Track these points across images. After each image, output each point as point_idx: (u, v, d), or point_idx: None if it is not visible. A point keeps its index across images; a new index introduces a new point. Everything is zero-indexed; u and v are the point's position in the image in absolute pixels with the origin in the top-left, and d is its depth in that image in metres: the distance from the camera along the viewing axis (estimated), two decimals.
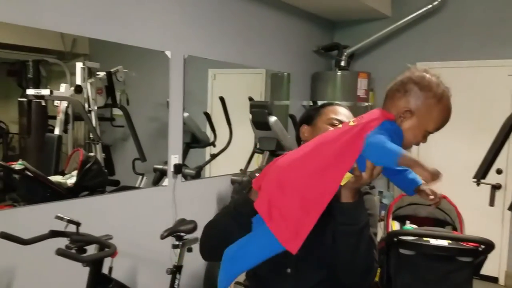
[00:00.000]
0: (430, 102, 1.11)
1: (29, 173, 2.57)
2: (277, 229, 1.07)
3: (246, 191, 1.26)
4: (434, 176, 1.00)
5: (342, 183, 1.12)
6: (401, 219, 2.91)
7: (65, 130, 2.91)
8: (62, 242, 1.90)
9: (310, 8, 4.46)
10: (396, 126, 1.12)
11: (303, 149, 1.16)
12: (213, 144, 3.76)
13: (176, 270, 2.47)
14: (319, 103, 4.62)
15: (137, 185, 3.22)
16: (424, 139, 1.15)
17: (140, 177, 3.28)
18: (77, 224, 1.88)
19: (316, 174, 1.08)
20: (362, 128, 1.09)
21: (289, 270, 1.30)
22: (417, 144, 1.15)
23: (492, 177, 3.96)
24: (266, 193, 1.11)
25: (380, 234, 3.17)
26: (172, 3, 3.15)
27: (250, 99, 3.78)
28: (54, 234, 1.90)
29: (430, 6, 4.26)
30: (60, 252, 1.64)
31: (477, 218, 3.95)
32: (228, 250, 1.18)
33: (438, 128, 1.14)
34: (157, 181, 3.21)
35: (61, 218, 1.85)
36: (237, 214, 1.25)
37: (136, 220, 2.97)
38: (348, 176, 1.12)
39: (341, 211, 1.16)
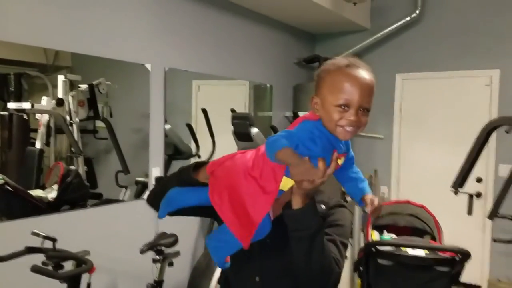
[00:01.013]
0: (323, 78, 1.13)
1: (9, 188, 2.54)
2: (230, 223, 1.14)
3: (193, 167, 1.29)
4: (298, 175, 1.07)
5: (285, 189, 1.15)
6: (381, 229, 2.95)
7: (47, 143, 2.89)
8: (40, 258, 1.90)
9: (291, 21, 4.53)
10: (314, 123, 1.13)
11: (259, 149, 1.20)
12: (196, 155, 3.76)
13: (156, 286, 2.46)
14: (300, 114, 4.71)
15: (120, 198, 3.21)
16: (340, 114, 1.08)
17: (124, 189, 3.26)
18: (53, 240, 1.87)
19: (257, 176, 1.15)
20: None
21: (257, 279, 1.33)
22: (343, 125, 1.09)
23: (472, 186, 4.04)
24: (219, 188, 1.18)
25: (361, 244, 3.20)
26: (153, 16, 3.17)
27: (232, 110, 3.81)
28: (30, 250, 1.89)
29: (408, 18, 4.35)
30: (35, 269, 1.64)
31: (458, 226, 4.01)
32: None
33: (344, 97, 1.07)
34: (139, 194, 3.19)
35: (37, 234, 1.84)
36: (179, 176, 1.32)
37: (117, 234, 2.95)
38: (291, 182, 1.15)
39: (289, 217, 1.17)
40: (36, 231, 1.87)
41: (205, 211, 1.25)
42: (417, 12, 4.32)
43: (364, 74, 1.10)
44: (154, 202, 1.35)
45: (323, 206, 1.35)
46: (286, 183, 1.15)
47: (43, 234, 1.87)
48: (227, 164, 1.20)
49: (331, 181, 1.15)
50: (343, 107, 1.08)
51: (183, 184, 1.28)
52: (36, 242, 1.93)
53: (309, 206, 1.16)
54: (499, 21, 4.15)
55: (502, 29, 4.14)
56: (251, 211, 1.13)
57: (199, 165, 1.29)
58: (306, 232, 1.15)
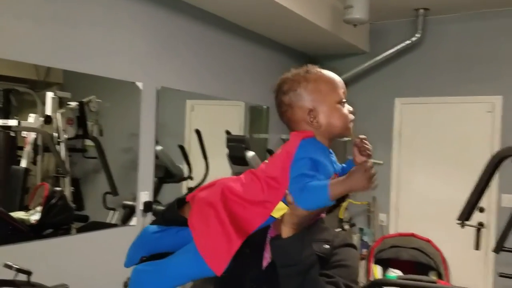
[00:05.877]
0: (310, 86, 1.10)
1: None
2: (202, 246, 1.01)
3: (176, 203, 1.18)
4: (370, 176, 0.97)
5: (277, 216, 1.04)
6: (383, 263, 2.79)
7: (34, 162, 2.77)
8: None
9: (288, 42, 4.48)
10: (312, 139, 1.07)
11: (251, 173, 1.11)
12: (189, 178, 3.64)
13: None
14: None
15: (107, 221, 3.06)
16: (345, 109, 1.11)
17: (112, 212, 3.13)
18: (28, 273, 1.71)
19: (247, 200, 1.04)
20: (285, 156, 1.05)
21: None
22: (351, 119, 1.12)
23: (474, 216, 3.91)
24: (201, 207, 1.07)
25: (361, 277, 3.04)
26: (147, 34, 3.10)
27: (227, 132, 3.71)
28: (1, 283, 1.74)
29: (408, 42, 4.29)
30: None
31: (459, 259, 3.87)
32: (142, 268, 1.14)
33: (341, 90, 1.12)
34: (126, 219, 3.04)
35: (9, 267, 1.69)
36: (162, 217, 1.22)
37: (100, 264, 2.78)
38: (283, 208, 1.04)
39: (275, 249, 1.05)
40: (9, 263, 1.71)
41: None
42: (418, 35, 4.27)
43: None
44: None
45: (326, 246, 1.19)
46: (279, 209, 1.04)
47: (16, 267, 1.71)
48: (213, 188, 1.11)
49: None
50: (343, 101, 1.10)
51: (168, 225, 1.18)
52: (10, 274, 1.78)
53: (299, 236, 1.04)
54: (502, 47, 4.10)
55: (505, 55, 4.08)
56: (247, 218, 1.03)
57: (181, 200, 1.17)
58: (294, 268, 1.02)
